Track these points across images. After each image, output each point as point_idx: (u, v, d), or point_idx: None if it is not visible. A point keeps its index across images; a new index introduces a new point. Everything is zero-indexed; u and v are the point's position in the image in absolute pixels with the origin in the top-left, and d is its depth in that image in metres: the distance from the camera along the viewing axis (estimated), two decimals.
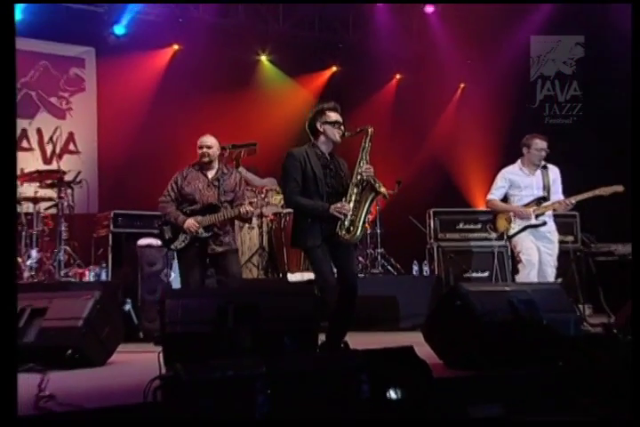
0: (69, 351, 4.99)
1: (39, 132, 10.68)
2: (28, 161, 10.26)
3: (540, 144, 6.81)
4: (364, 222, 5.08)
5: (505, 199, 6.93)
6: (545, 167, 6.86)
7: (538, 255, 6.60)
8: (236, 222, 7.90)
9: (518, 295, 4.82)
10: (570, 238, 8.66)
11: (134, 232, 8.03)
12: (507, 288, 5.06)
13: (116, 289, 7.19)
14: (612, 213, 8.73)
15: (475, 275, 8.28)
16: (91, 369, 5.03)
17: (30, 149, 10.58)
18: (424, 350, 4.58)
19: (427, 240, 8.97)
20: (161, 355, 4.05)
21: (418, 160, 11.75)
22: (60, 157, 10.62)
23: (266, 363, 3.52)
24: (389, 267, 8.94)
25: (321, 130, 5.18)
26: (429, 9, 12.10)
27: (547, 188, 6.77)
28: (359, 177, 5.09)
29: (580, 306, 8.02)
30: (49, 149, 10.65)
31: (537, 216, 6.67)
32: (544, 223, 6.68)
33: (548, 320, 4.77)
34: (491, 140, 11.21)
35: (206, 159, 6.13)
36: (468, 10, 11.66)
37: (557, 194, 6.83)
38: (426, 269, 8.75)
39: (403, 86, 12.64)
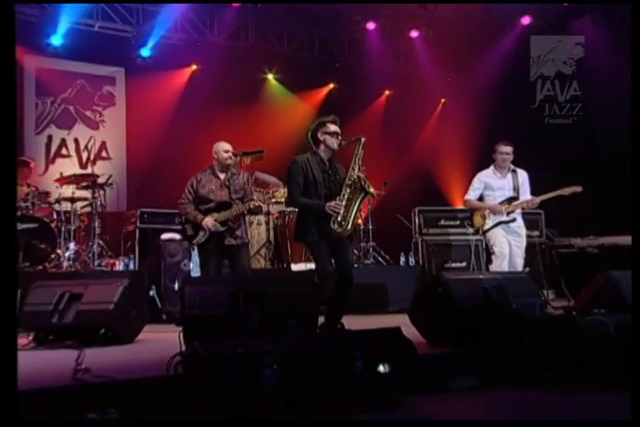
0: (102, 331, 5.05)
1: (76, 141, 10.70)
2: (67, 166, 10.28)
3: (504, 149, 6.86)
4: (354, 218, 5.10)
5: (480, 199, 6.95)
6: (514, 171, 6.89)
7: (508, 248, 6.62)
8: (247, 219, 7.94)
9: (491, 283, 4.87)
10: (536, 233, 8.67)
11: (158, 228, 8.06)
12: (481, 276, 5.10)
13: (142, 277, 7.20)
14: (572, 211, 8.77)
15: (454, 265, 8.31)
16: (121, 346, 5.09)
17: (68, 156, 10.61)
18: (410, 331, 4.62)
19: (412, 235, 8.98)
20: (181, 334, 4.07)
21: (404, 165, 11.76)
22: (94, 162, 10.57)
23: (272, 342, 3.56)
24: (380, 258, 8.93)
25: (321, 139, 5.22)
26: (414, 34, 12.03)
27: (516, 189, 6.80)
28: (352, 179, 5.12)
29: (545, 292, 8.03)
30: (84, 155, 10.62)
31: (508, 213, 6.70)
32: (514, 220, 6.71)
33: (517, 304, 4.82)
34: (467, 148, 11.22)
35: (230, 162, 6.21)
36: (448, 34, 11.63)
37: (526, 194, 6.86)
38: (411, 260, 8.75)
39: (391, 101, 12.66)
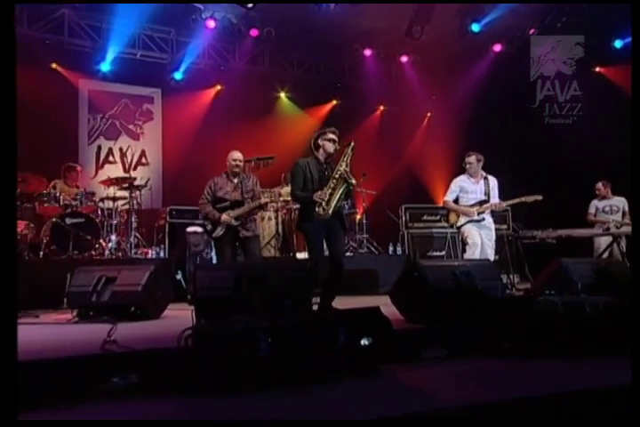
0: (132, 308, 5.03)
1: (120, 150, 10.72)
2: (113, 171, 10.27)
3: (466, 159, 6.84)
4: (336, 203, 5.08)
5: (456, 200, 6.89)
6: (486, 178, 6.82)
7: (480, 239, 6.54)
8: (259, 215, 7.91)
9: (460, 268, 4.82)
10: (504, 227, 8.61)
11: (184, 222, 8.00)
12: (452, 263, 5.05)
13: (168, 264, 7.17)
14: (534, 208, 8.67)
15: (434, 253, 8.23)
16: (148, 321, 5.07)
17: (114, 162, 10.63)
18: (391, 310, 4.63)
19: (400, 228, 8.91)
20: (193, 313, 4.04)
21: (396, 169, 11.62)
22: (135, 168, 10.69)
23: (268, 319, 3.52)
24: (372, 248, 8.88)
25: (321, 144, 5.26)
26: (404, 59, 11.94)
27: (487, 193, 6.72)
28: (338, 173, 5.10)
29: (511, 276, 7.98)
30: (127, 162, 10.67)
31: (478, 214, 6.64)
32: (482, 219, 6.65)
33: (482, 286, 4.75)
34: (448, 154, 10.98)
35: (238, 169, 6.21)
36: (433, 59, 11.56)
37: (495, 198, 6.78)
38: (398, 249, 8.70)
39: (385, 115, 12.52)
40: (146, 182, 8.22)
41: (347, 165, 5.15)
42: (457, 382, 3.60)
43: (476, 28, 10.08)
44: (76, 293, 5.06)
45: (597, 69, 10.31)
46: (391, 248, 8.75)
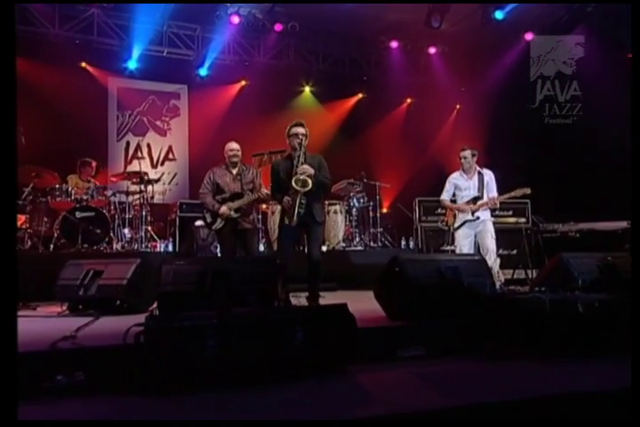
0: (118, 302, 4.89)
1: (148, 145, 10.71)
2: (142, 166, 10.27)
3: (461, 153, 6.56)
4: (296, 212, 4.85)
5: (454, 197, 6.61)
6: (480, 173, 6.45)
7: (467, 249, 6.26)
8: (269, 209, 7.71)
9: (447, 264, 4.49)
10: (522, 220, 8.13)
11: (194, 216, 7.83)
12: (438, 258, 4.70)
13: (152, 259, 6.95)
14: (557, 199, 8.19)
15: (447, 248, 7.78)
16: (134, 315, 4.89)
17: (142, 158, 10.51)
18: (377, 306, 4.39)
19: (413, 222, 8.56)
20: (155, 309, 3.88)
21: (421, 163, 11.22)
22: (162, 163, 10.66)
23: (218, 316, 3.31)
24: (387, 242, 8.54)
25: (288, 142, 5.07)
26: (432, 50, 11.56)
27: (481, 189, 6.38)
28: (293, 180, 4.84)
29: (530, 271, 7.53)
30: (155, 157, 10.67)
31: (473, 213, 6.29)
32: (477, 218, 6.32)
33: (468, 283, 4.40)
34: (477, 147, 10.63)
35: (236, 159, 6.03)
36: (461, 50, 11.10)
37: (492, 192, 6.44)
38: (412, 243, 8.34)
39: (412, 108, 12.09)
40: (173, 177, 8.14)
41: (302, 163, 4.92)
42: (417, 386, 3.31)
43: (499, 15, 9.60)
44: (65, 286, 4.98)
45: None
46: (404, 242, 8.40)
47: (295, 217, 4.84)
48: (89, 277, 4.95)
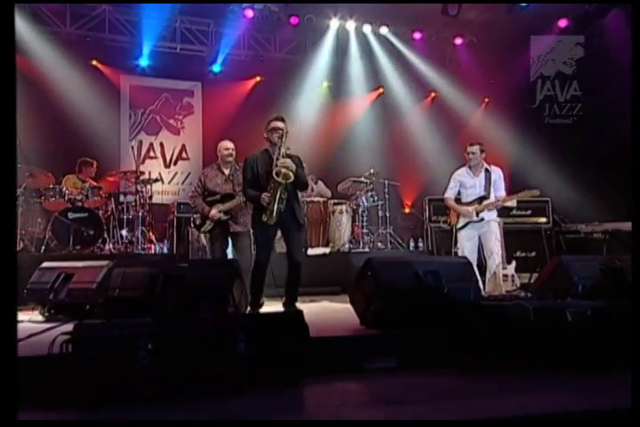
0: (87, 306, 4.78)
1: (161, 144, 10.68)
2: (154, 166, 10.32)
3: (468, 149, 6.21)
4: (277, 207, 4.67)
5: (459, 195, 6.34)
6: (487, 170, 6.11)
7: (470, 250, 5.97)
8: None
9: (426, 267, 4.19)
10: (543, 220, 7.70)
11: (191, 217, 7.72)
12: (417, 260, 4.40)
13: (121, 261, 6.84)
14: (580, 199, 7.76)
15: (458, 250, 7.45)
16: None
17: (155, 157, 10.60)
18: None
19: (424, 222, 8.22)
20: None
21: (445, 159, 10.84)
22: (175, 163, 10.62)
23: (153, 324, 3.13)
24: (396, 243, 8.23)
25: (266, 136, 4.88)
26: (459, 41, 11.22)
27: (487, 188, 6.06)
28: (276, 170, 4.62)
29: None
30: (168, 156, 10.64)
31: (477, 214, 6.00)
32: (482, 219, 6.01)
33: (449, 289, 4.11)
34: (506, 140, 10.22)
35: (230, 159, 5.91)
36: (489, 40, 10.69)
37: (499, 191, 6.12)
38: (420, 245, 8.02)
39: (436, 101, 11.63)
40: (186, 177, 7.99)
41: (283, 157, 4.73)
42: (366, 401, 3.06)
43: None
44: (35, 289, 4.90)
45: None
46: (412, 244, 8.08)
47: (275, 213, 4.65)
48: (59, 281, 4.86)
